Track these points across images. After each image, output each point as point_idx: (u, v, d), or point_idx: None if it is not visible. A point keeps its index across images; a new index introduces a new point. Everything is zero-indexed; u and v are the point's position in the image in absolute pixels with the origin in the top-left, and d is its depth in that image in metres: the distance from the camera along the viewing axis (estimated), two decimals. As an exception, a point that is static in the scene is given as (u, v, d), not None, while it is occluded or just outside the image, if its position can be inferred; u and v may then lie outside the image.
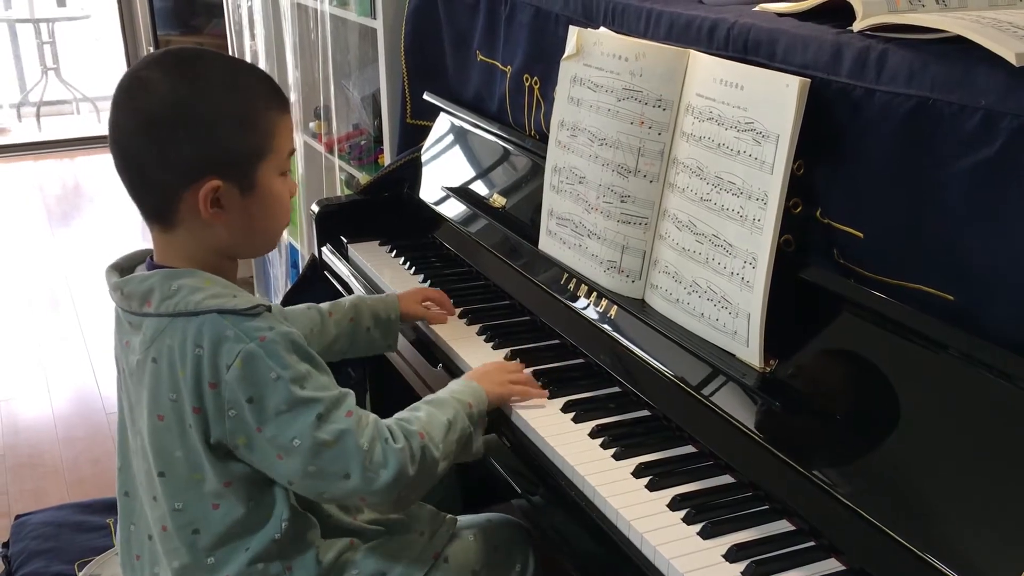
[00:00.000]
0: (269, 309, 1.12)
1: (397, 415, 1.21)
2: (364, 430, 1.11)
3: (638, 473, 1.17)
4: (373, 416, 1.15)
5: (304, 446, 1.08)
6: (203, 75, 1.10)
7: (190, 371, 1.07)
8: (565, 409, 1.32)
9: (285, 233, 3.14)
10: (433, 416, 1.20)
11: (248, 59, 3.23)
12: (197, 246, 1.13)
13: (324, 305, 1.49)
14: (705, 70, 1.25)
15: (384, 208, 2.04)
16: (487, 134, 1.85)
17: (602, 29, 1.47)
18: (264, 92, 1.14)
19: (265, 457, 1.10)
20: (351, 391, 1.14)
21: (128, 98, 1.09)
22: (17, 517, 1.95)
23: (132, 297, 1.12)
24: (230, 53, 3.36)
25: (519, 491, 1.28)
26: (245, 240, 1.16)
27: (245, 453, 1.10)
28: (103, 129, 6.37)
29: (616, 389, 1.37)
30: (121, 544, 1.26)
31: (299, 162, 2.91)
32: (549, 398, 1.34)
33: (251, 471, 1.12)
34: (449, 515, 1.36)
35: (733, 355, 1.21)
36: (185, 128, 1.07)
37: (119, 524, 1.25)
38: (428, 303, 1.61)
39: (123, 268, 1.17)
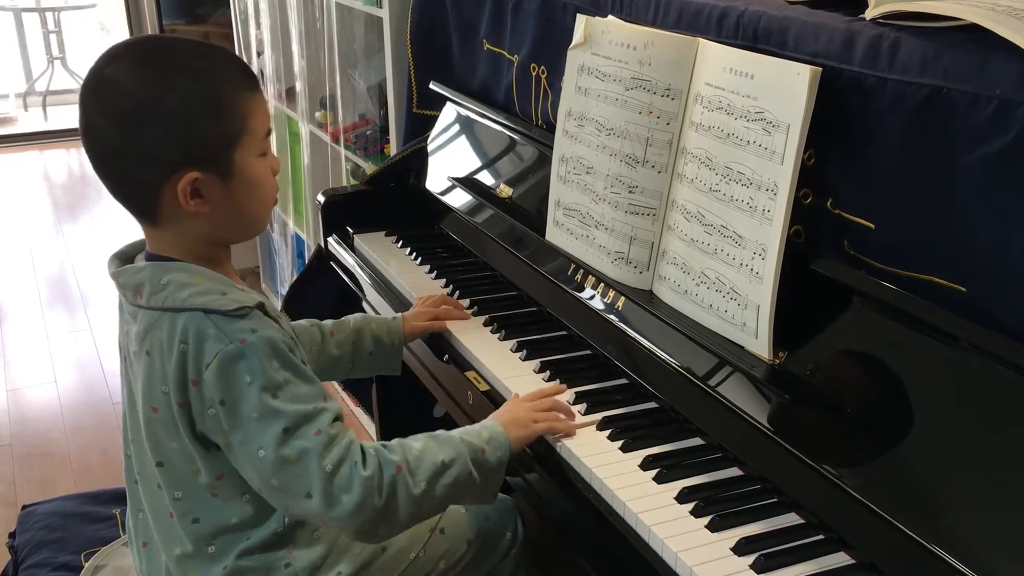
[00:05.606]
0: (262, 306, 1.10)
1: (390, 441, 1.15)
2: (331, 451, 1.06)
3: (646, 465, 1.17)
4: (349, 437, 1.09)
5: (268, 458, 1.06)
6: (168, 66, 1.06)
7: (175, 366, 1.06)
8: (572, 401, 1.31)
9: (291, 223, 3.14)
10: (427, 452, 1.14)
11: (254, 49, 3.23)
12: (186, 237, 1.11)
13: (328, 323, 1.47)
14: (714, 59, 1.24)
15: (390, 198, 2.03)
16: (493, 124, 1.84)
17: (610, 17, 1.45)
18: (232, 74, 1.10)
19: (237, 461, 1.09)
20: (330, 407, 1.10)
21: (95, 98, 1.06)
22: (24, 507, 1.94)
23: (127, 288, 1.12)
24: (235, 42, 3.36)
25: (522, 478, 1.27)
26: (232, 226, 1.14)
27: (225, 452, 1.10)
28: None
29: (623, 381, 1.36)
30: (130, 531, 1.27)
31: (304, 152, 2.91)
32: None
33: None
34: None
35: (742, 347, 1.20)
36: (156, 123, 1.04)
37: (128, 511, 1.26)
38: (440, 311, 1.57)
39: (125, 256, 1.17)
